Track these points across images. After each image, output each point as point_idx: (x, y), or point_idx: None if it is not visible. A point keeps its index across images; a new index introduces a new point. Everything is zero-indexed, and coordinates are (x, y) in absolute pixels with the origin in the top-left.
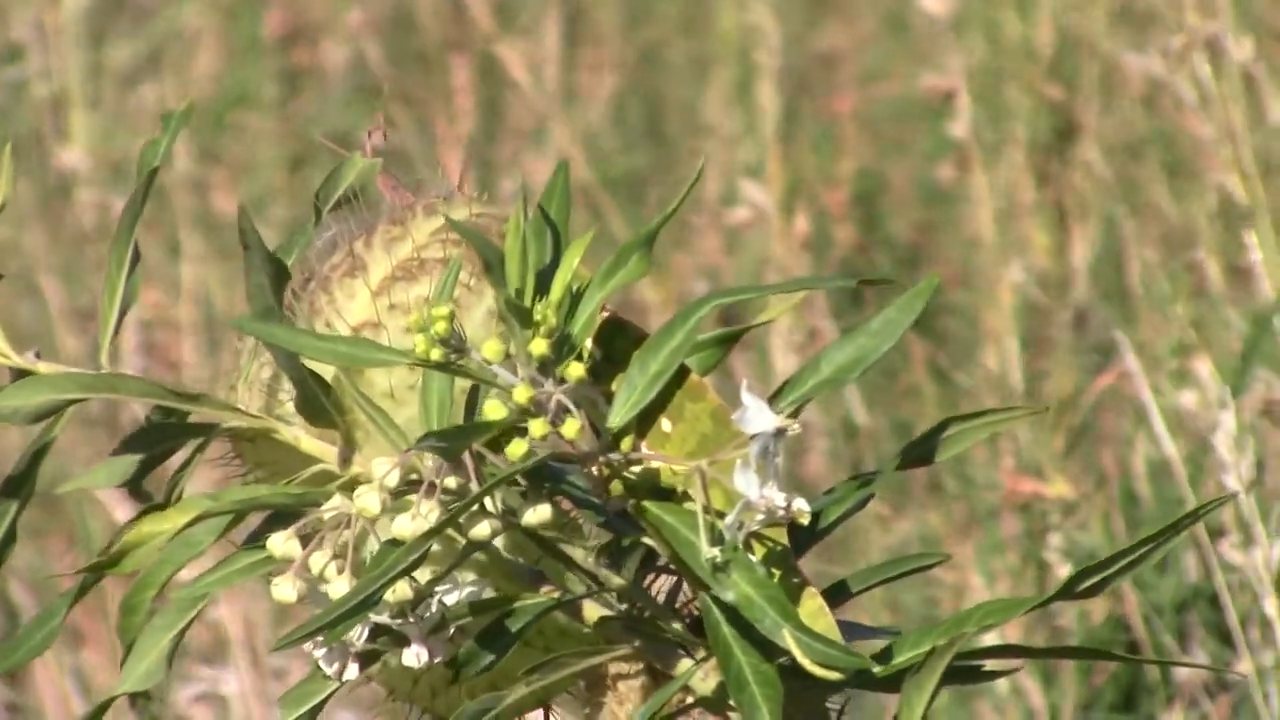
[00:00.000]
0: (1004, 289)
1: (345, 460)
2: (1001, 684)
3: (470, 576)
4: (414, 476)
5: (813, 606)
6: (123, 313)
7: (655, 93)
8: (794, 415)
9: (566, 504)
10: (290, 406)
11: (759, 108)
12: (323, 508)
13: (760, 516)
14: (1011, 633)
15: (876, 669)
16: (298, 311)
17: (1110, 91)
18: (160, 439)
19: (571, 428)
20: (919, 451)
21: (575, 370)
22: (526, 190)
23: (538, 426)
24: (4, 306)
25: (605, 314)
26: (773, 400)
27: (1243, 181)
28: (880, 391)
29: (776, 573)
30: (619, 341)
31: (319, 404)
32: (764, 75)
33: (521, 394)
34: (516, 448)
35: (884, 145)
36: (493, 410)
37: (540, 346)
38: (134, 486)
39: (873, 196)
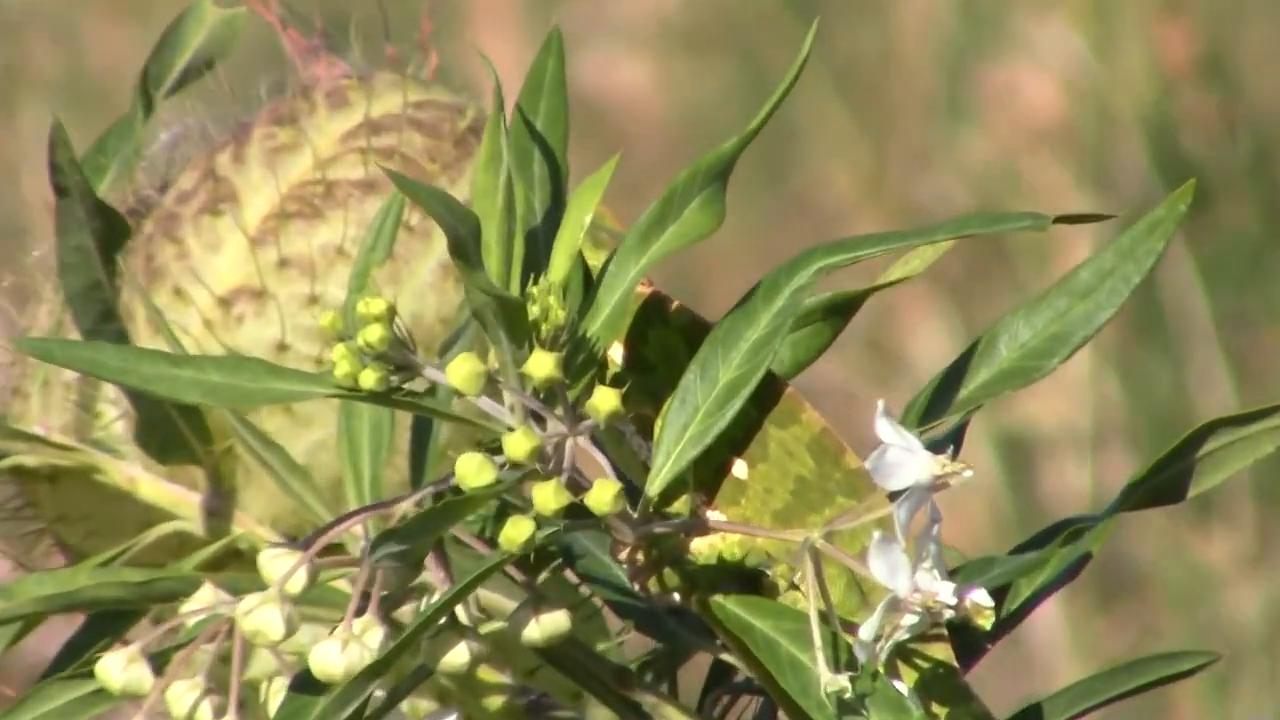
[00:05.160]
0: None
1: (213, 514)
2: None
3: (426, 705)
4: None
5: None
6: None
7: None
8: (956, 444)
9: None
10: (118, 426)
11: None
12: (185, 608)
13: (912, 620)
14: None
15: None
16: (126, 274)
17: None
18: None
19: (605, 495)
20: (1158, 482)
21: (606, 400)
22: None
23: (549, 495)
24: None
25: (646, 289)
26: (910, 412)
27: None
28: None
29: (941, 712)
30: (655, 333)
31: (170, 430)
32: None
33: (520, 445)
34: (517, 530)
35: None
36: (474, 472)
37: (545, 366)
38: None
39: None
